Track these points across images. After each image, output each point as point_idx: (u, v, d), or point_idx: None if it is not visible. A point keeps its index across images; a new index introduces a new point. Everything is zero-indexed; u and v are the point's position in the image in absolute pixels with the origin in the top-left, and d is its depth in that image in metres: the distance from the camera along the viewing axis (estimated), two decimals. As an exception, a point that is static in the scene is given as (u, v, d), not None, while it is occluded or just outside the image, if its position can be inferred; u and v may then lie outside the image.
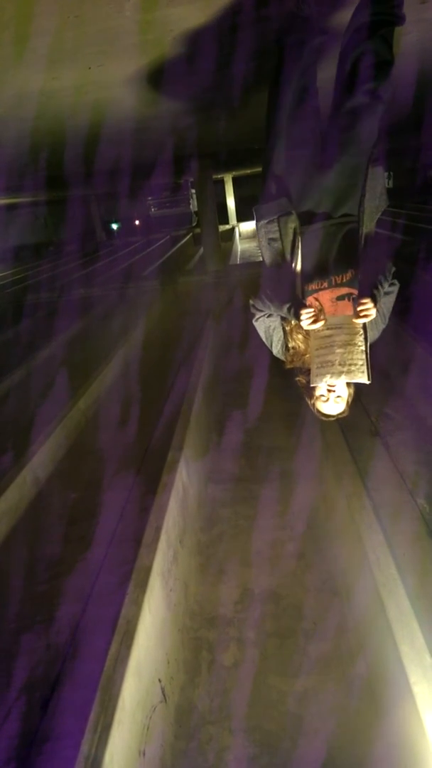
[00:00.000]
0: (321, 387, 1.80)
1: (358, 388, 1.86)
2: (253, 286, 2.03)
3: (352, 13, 1.80)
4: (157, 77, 2.78)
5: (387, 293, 1.78)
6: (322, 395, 1.82)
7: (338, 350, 1.73)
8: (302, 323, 1.73)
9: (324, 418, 1.88)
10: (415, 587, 1.93)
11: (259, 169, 2.02)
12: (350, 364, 1.71)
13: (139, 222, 21.25)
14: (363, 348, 1.72)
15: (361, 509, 2.33)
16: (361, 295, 1.70)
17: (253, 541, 2.69)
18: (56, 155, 4.98)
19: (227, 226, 17.08)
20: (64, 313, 7.62)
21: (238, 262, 11.37)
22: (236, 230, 16.88)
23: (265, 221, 1.83)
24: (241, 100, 3.56)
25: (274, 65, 1.85)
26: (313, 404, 1.87)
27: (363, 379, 1.72)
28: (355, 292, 1.74)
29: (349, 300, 1.74)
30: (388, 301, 1.82)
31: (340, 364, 1.72)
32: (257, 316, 1.94)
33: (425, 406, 3.51)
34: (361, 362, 1.71)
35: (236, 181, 17.65)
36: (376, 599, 1.89)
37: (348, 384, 1.81)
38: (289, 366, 1.92)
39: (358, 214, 1.75)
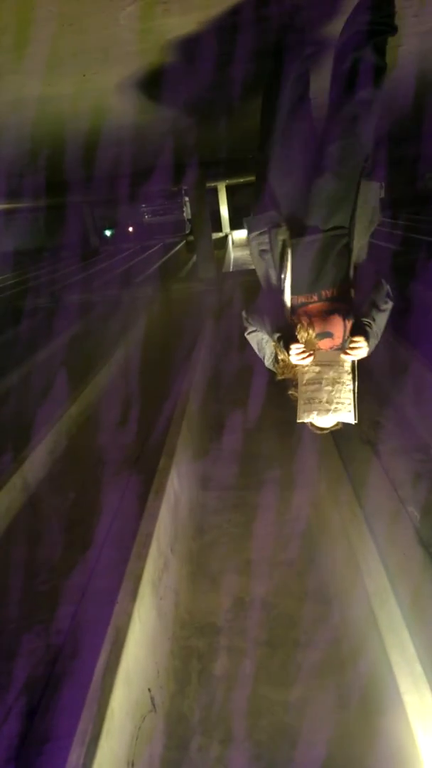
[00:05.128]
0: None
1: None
2: (246, 293, 2.05)
3: (347, 20, 1.80)
4: (154, 85, 2.79)
5: (382, 311, 1.78)
6: None
7: (326, 388, 1.70)
8: (291, 358, 1.71)
9: (318, 432, 1.86)
10: (407, 596, 1.93)
11: (253, 177, 2.02)
12: (338, 403, 1.69)
13: (133, 229, 21.26)
14: (351, 387, 1.69)
15: (352, 518, 2.33)
16: (354, 328, 1.69)
17: (245, 550, 2.68)
18: (54, 161, 4.99)
19: (220, 234, 17.13)
20: (53, 319, 7.57)
21: (231, 270, 11.40)
22: (229, 238, 16.92)
23: (257, 233, 1.81)
24: (239, 105, 3.58)
25: (269, 74, 1.85)
26: None
27: (350, 419, 1.70)
28: (345, 306, 1.73)
29: (339, 315, 1.73)
30: (382, 319, 1.80)
31: (327, 402, 1.69)
32: (249, 330, 1.94)
33: (416, 415, 3.52)
34: (348, 401, 1.68)
35: (230, 190, 17.73)
36: (367, 608, 1.89)
37: None
38: (280, 377, 1.91)
39: (350, 228, 1.74)
